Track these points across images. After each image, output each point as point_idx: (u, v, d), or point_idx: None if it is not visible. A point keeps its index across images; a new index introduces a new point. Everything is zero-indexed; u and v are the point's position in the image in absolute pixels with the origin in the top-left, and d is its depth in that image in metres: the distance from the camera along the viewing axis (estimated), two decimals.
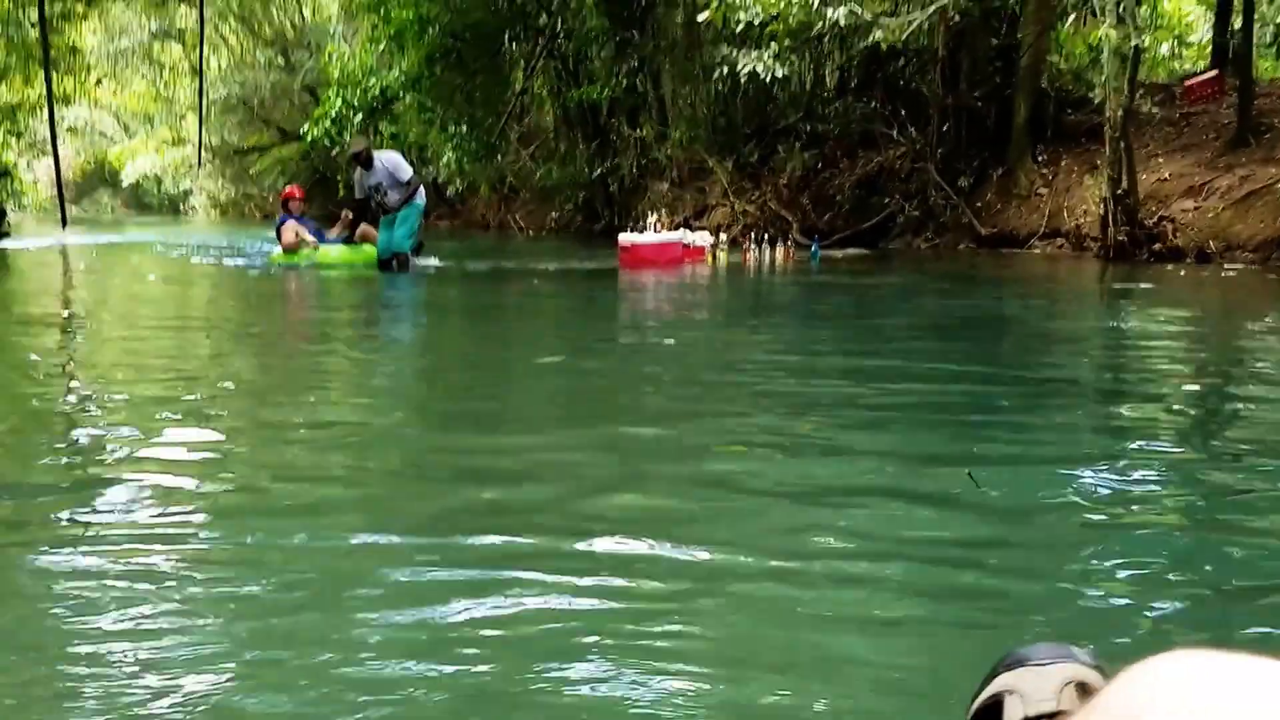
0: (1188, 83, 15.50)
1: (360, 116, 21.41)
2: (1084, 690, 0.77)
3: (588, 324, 7.31)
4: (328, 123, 21.66)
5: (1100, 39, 11.67)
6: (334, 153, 24.27)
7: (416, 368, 5.42)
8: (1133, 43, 11.13)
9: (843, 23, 12.51)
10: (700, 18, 13.40)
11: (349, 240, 12.19)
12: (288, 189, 13.07)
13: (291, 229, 11.94)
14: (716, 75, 14.60)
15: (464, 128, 20.51)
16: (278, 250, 12.12)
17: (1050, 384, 4.79)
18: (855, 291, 9.63)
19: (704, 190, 18.42)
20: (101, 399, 4.21)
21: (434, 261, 12.26)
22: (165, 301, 8.77)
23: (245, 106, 36.18)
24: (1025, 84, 15.68)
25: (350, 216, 12.24)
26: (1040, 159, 15.65)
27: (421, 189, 12.15)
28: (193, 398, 4.21)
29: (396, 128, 21.58)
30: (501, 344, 6.23)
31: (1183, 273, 10.95)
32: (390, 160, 11.75)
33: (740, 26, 13.00)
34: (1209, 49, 19.90)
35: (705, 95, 18.91)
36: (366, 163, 11.65)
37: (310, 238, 11.98)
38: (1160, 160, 13.67)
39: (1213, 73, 14.98)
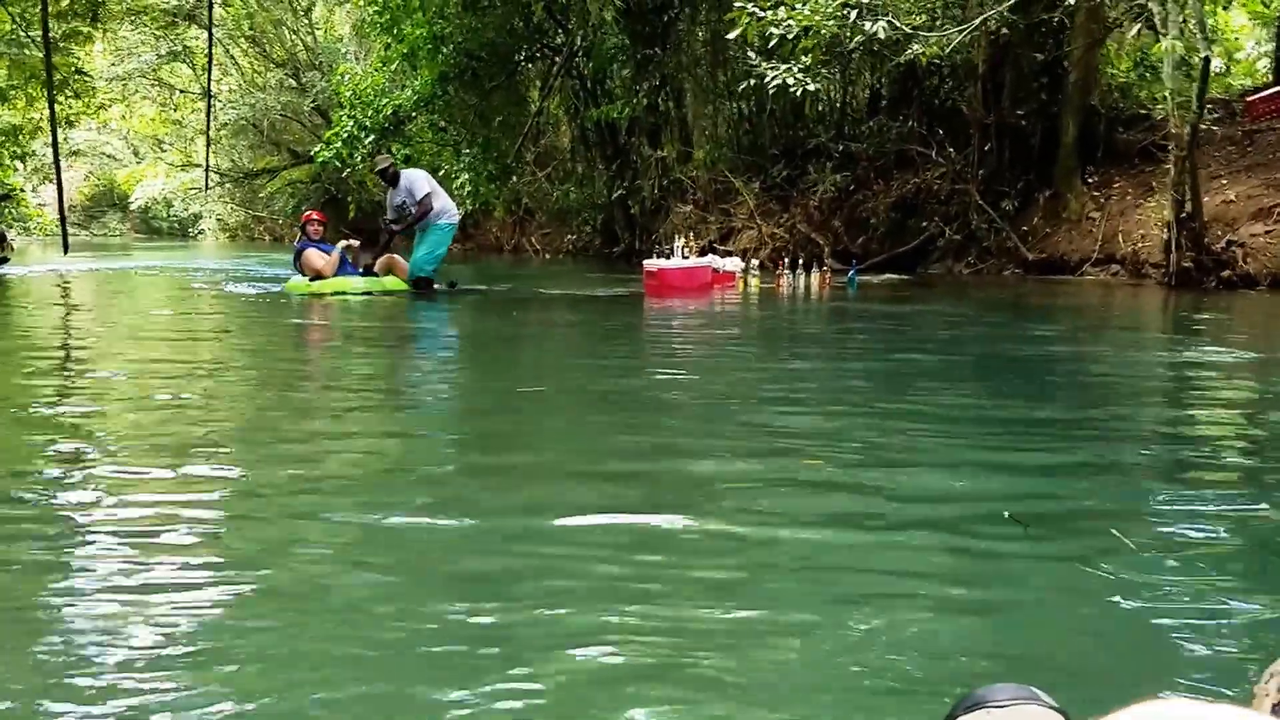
0: (1249, 99, 14.69)
1: (372, 137, 20.88)
2: None
3: (615, 360, 6.56)
4: (339, 144, 21.19)
5: (1164, 51, 10.88)
6: (345, 174, 23.72)
7: (428, 418, 4.67)
8: (1202, 54, 10.37)
9: (881, 36, 11.78)
10: (730, 35, 12.69)
11: (368, 271, 11.57)
12: (307, 213, 12.30)
13: (318, 255, 11.29)
14: (744, 88, 13.88)
15: (478, 149, 19.92)
16: (296, 278, 11.52)
17: (1121, 432, 4.13)
18: (901, 323, 8.81)
19: (729, 213, 17.69)
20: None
21: (441, 286, 11.63)
22: (160, 338, 8.07)
23: (255, 129, 35.76)
24: (1073, 101, 14.95)
25: (357, 244, 11.69)
26: (1090, 180, 14.88)
27: (452, 208, 11.73)
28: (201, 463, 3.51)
29: (409, 149, 20.98)
30: (527, 382, 5.54)
31: (1256, 301, 10.17)
32: (412, 178, 11.39)
33: (774, 41, 12.27)
34: (1257, 63, 19.23)
35: (730, 113, 18.26)
36: (393, 180, 11.34)
37: (325, 264, 11.31)
38: (1224, 181, 12.88)
39: (1277, 88, 14.19)
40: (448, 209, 11.62)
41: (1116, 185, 14.61)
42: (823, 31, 12.21)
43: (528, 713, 1.71)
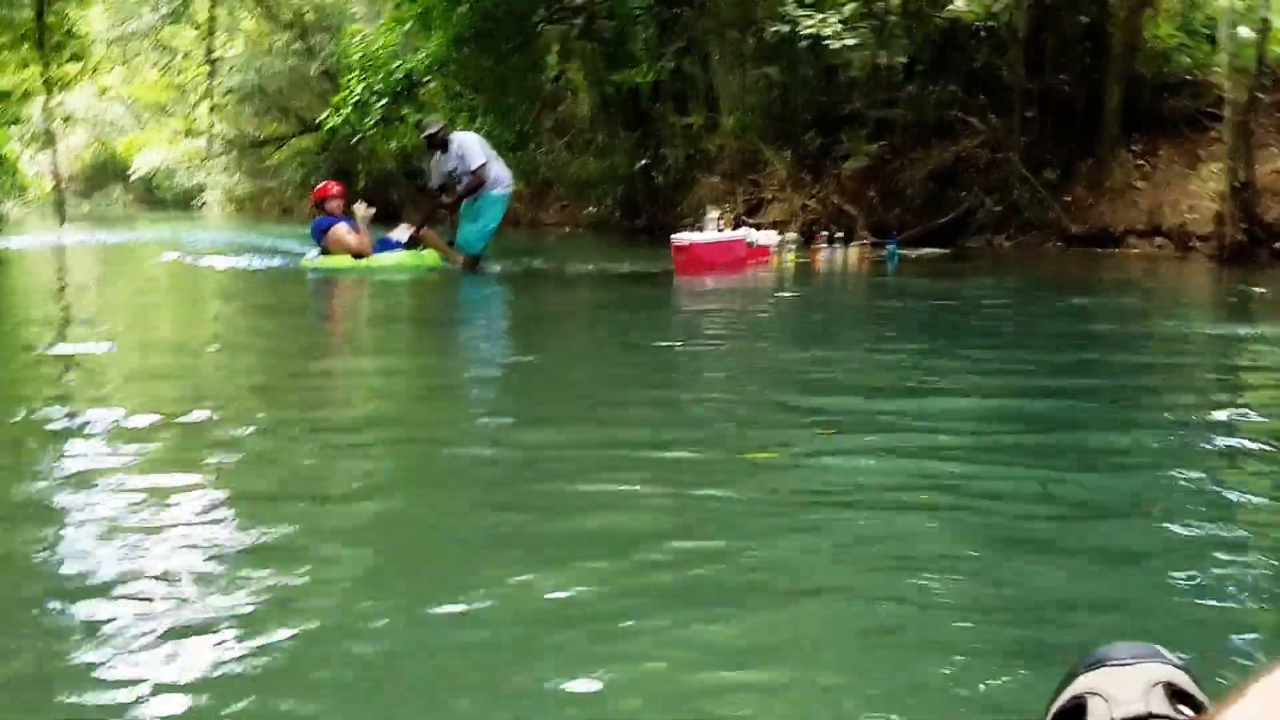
0: None
1: (384, 102, 20.72)
2: (1173, 692, 0.79)
3: (654, 345, 6.43)
4: (348, 109, 21.01)
5: (1221, 12, 10.72)
6: (354, 141, 23.58)
7: (462, 410, 4.61)
8: (1260, 15, 10.20)
9: None
10: None
11: (411, 244, 11.10)
12: (323, 186, 11.44)
13: (349, 231, 10.77)
14: (774, 31, 13.55)
15: (494, 116, 19.73)
16: (312, 254, 11.15)
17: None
18: (952, 300, 8.67)
19: (758, 184, 17.52)
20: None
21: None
22: (162, 317, 7.99)
23: (262, 94, 35.48)
24: (1118, 66, 14.77)
25: (373, 211, 11.42)
26: (1135, 149, 14.70)
27: (506, 177, 11.24)
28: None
29: (422, 113, 20.81)
30: (566, 380, 5.30)
31: None
32: (464, 143, 10.88)
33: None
34: None
35: (760, 78, 18.04)
36: (442, 145, 10.85)
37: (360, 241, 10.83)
38: (1274, 150, 12.69)
39: None
40: (502, 178, 11.08)
41: (1162, 154, 14.42)
42: None
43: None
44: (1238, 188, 11.00)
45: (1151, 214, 13.66)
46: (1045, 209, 14.75)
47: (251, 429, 3.79)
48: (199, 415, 3.90)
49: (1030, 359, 5.53)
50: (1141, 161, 14.49)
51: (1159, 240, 13.44)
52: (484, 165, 10.71)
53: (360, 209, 11.12)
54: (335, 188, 11.25)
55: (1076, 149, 15.02)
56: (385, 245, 11.00)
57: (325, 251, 10.91)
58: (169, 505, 2.80)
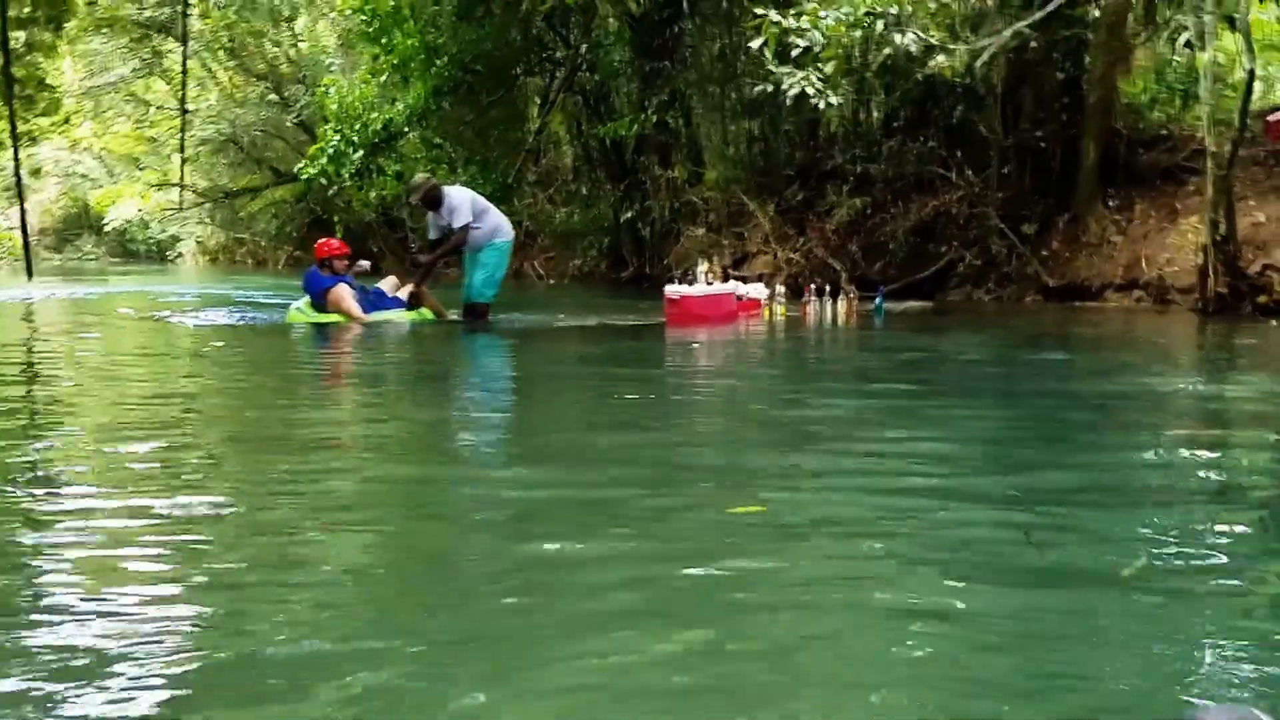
0: (1269, 119, 14.78)
1: (360, 153, 20.79)
2: None
3: (647, 400, 6.46)
4: (324, 160, 21.07)
5: (1201, 66, 10.94)
6: (331, 193, 23.64)
7: (448, 464, 4.52)
8: (1247, 67, 10.42)
9: (913, 49, 11.81)
10: (753, 44, 12.69)
11: (412, 303, 10.96)
12: (330, 243, 11.01)
13: (350, 295, 10.59)
14: (758, 90, 13.76)
15: (476, 167, 19.82)
16: (298, 304, 11.01)
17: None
18: (940, 356, 8.77)
19: (743, 236, 17.68)
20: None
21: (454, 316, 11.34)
22: (128, 377, 7.93)
23: (236, 146, 35.52)
24: (1094, 122, 15.03)
25: (368, 265, 11.41)
26: (1111, 203, 14.94)
27: (505, 226, 11.21)
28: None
29: (401, 166, 20.90)
30: (573, 444, 5.01)
31: None
32: (455, 199, 10.78)
33: (796, 52, 12.28)
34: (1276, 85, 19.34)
35: (743, 132, 18.25)
36: (434, 202, 10.77)
37: (364, 315, 10.62)
38: (1251, 203, 12.95)
39: None
40: (501, 228, 11.07)
41: (1138, 208, 14.67)
42: (845, 42, 12.25)
43: None
44: (1220, 240, 11.18)
45: (1129, 267, 13.87)
46: (1024, 263, 14.95)
47: (224, 491, 3.73)
48: (160, 491, 3.66)
49: (1025, 417, 5.56)
50: (1118, 216, 14.72)
51: (1137, 293, 13.64)
52: (466, 226, 10.67)
53: (362, 266, 11.12)
54: (337, 244, 10.97)
55: (1054, 203, 15.24)
56: (380, 302, 10.93)
57: (318, 308, 10.75)
58: (127, 579, 2.69)
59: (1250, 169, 13.93)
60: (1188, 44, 12.92)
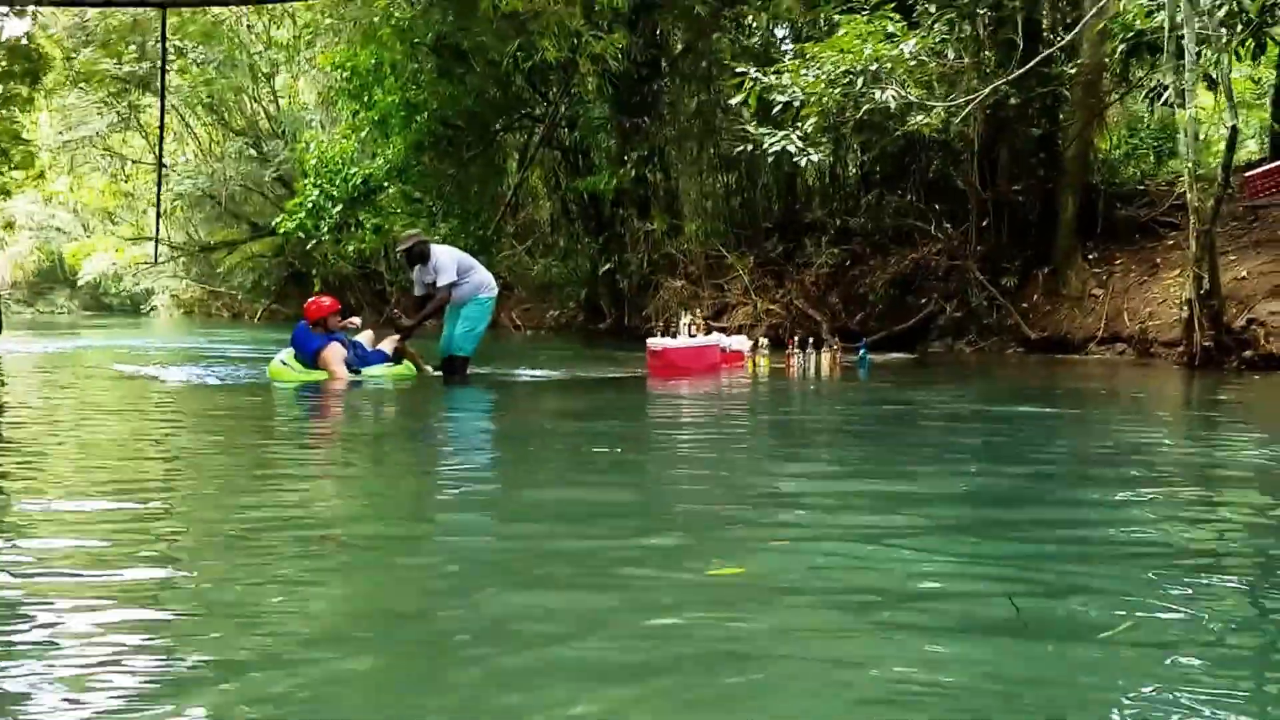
0: (1247, 175, 14.76)
1: (340, 207, 20.62)
2: None
3: (630, 457, 6.18)
4: (303, 214, 20.91)
5: (1181, 123, 10.85)
6: (309, 246, 23.40)
7: (424, 520, 4.32)
8: (1230, 123, 10.32)
9: (893, 106, 11.71)
10: (733, 101, 12.60)
11: (397, 358, 10.74)
12: (323, 301, 10.53)
13: (340, 359, 10.20)
14: (739, 151, 13.69)
15: (455, 221, 19.63)
16: (278, 360, 10.56)
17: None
18: (928, 410, 8.48)
19: (722, 288, 17.51)
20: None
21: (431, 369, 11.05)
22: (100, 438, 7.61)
23: (213, 200, 35.23)
24: (1071, 177, 14.99)
25: (357, 322, 11.14)
26: (1091, 257, 14.86)
27: (490, 281, 11.01)
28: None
29: (380, 220, 20.69)
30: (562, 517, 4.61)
31: None
32: (440, 258, 10.56)
33: (776, 109, 12.18)
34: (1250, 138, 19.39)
35: (721, 186, 18.15)
36: (422, 258, 10.55)
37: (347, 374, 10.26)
38: (1233, 257, 12.86)
39: (1276, 163, 14.22)
40: (485, 282, 10.87)
41: (1118, 262, 14.59)
42: (825, 100, 12.15)
43: None
44: (1204, 295, 11.04)
45: (1110, 321, 13.75)
46: (1004, 315, 14.83)
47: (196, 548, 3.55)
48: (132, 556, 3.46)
49: (1018, 475, 5.27)
50: (1098, 269, 14.64)
51: (1120, 346, 13.50)
52: (451, 284, 10.47)
53: (354, 324, 10.87)
54: (329, 301, 10.57)
55: (1033, 256, 15.16)
56: (366, 357, 10.62)
57: (306, 364, 10.36)
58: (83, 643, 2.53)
59: (1229, 224, 13.86)
60: (1166, 101, 12.94)
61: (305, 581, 3.16)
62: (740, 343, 11.65)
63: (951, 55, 13.57)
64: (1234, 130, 10.50)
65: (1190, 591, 3.00)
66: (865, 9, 13.65)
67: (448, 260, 10.57)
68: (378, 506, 4.58)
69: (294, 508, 4.34)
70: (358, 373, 10.33)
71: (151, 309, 46.13)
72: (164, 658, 2.45)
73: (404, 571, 3.39)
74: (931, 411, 8.27)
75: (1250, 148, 18.35)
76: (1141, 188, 15.98)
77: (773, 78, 12.15)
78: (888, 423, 7.73)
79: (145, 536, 3.68)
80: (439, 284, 10.45)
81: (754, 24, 18.38)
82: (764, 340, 11.97)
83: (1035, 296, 14.90)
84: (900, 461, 5.58)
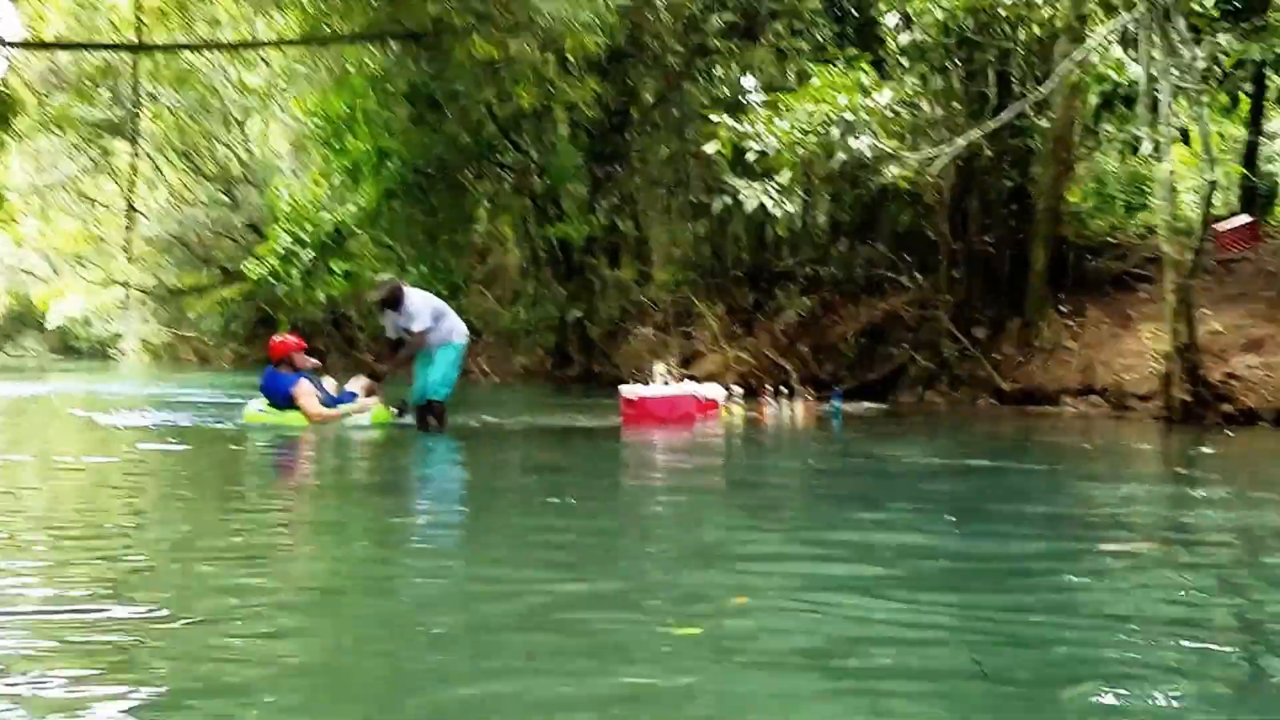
0: (1218, 228, 14.54)
1: (311, 253, 20.23)
2: None
3: (605, 511, 5.81)
4: (274, 260, 20.53)
5: (1157, 177, 10.56)
6: (280, 291, 22.92)
7: (390, 577, 4.00)
8: (1207, 177, 10.05)
9: (868, 154, 11.40)
10: (708, 148, 12.25)
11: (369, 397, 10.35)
12: (286, 341, 10.30)
13: (313, 396, 9.93)
14: (717, 207, 13.36)
15: (425, 267, 19.21)
16: (253, 407, 10.24)
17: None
18: (904, 465, 8.04)
19: (691, 336, 17.12)
20: None
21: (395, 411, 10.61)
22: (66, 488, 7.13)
23: (183, 245, 34.67)
24: (1042, 229, 14.69)
25: (318, 364, 10.69)
26: (1063, 309, 14.56)
27: (462, 327, 10.58)
28: None
29: (350, 265, 20.27)
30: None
31: (1269, 437, 9.70)
32: (413, 303, 10.12)
33: (752, 157, 11.85)
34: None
35: (692, 235, 17.83)
36: (394, 304, 10.13)
37: (329, 411, 10.01)
38: (1207, 311, 12.51)
39: (1246, 218, 14.01)
40: (457, 328, 10.45)
41: (1090, 314, 14.28)
42: (800, 151, 11.85)
43: None
44: (1182, 348, 10.71)
45: (1084, 373, 13.41)
46: (976, 366, 14.49)
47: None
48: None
49: (993, 530, 4.95)
50: (1070, 321, 14.33)
51: (1094, 399, 13.16)
52: (425, 331, 10.10)
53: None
54: (295, 339, 10.29)
55: (1005, 308, 14.84)
56: (334, 399, 10.22)
57: (279, 407, 10.01)
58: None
59: (1202, 278, 13.60)
60: (1135, 152, 12.72)
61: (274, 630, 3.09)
62: (714, 391, 11.25)
63: (926, 106, 13.32)
64: (1213, 184, 10.23)
65: (1159, 655, 2.90)
66: (839, 61, 13.44)
67: (421, 306, 10.22)
68: (347, 557, 4.38)
69: (248, 557, 4.08)
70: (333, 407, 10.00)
71: (120, 353, 45.42)
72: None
73: (369, 619, 3.33)
74: (905, 465, 7.89)
75: (1215, 201, 18.20)
76: (1112, 240, 15.74)
77: (747, 126, 11.83)
78: (860, 475, 7.42)
79: (106, 580, 3.58)
80: (412, 330, 10.09)
81: (723, 75, 18.17)
82: (738, 390, 11.57)
83: (1007, 348, 14.56)
84: (871, 516, 5.38)
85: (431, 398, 10.19)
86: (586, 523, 5.20)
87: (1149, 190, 16.91)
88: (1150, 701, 2.49)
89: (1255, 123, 14.65)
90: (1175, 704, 2.49)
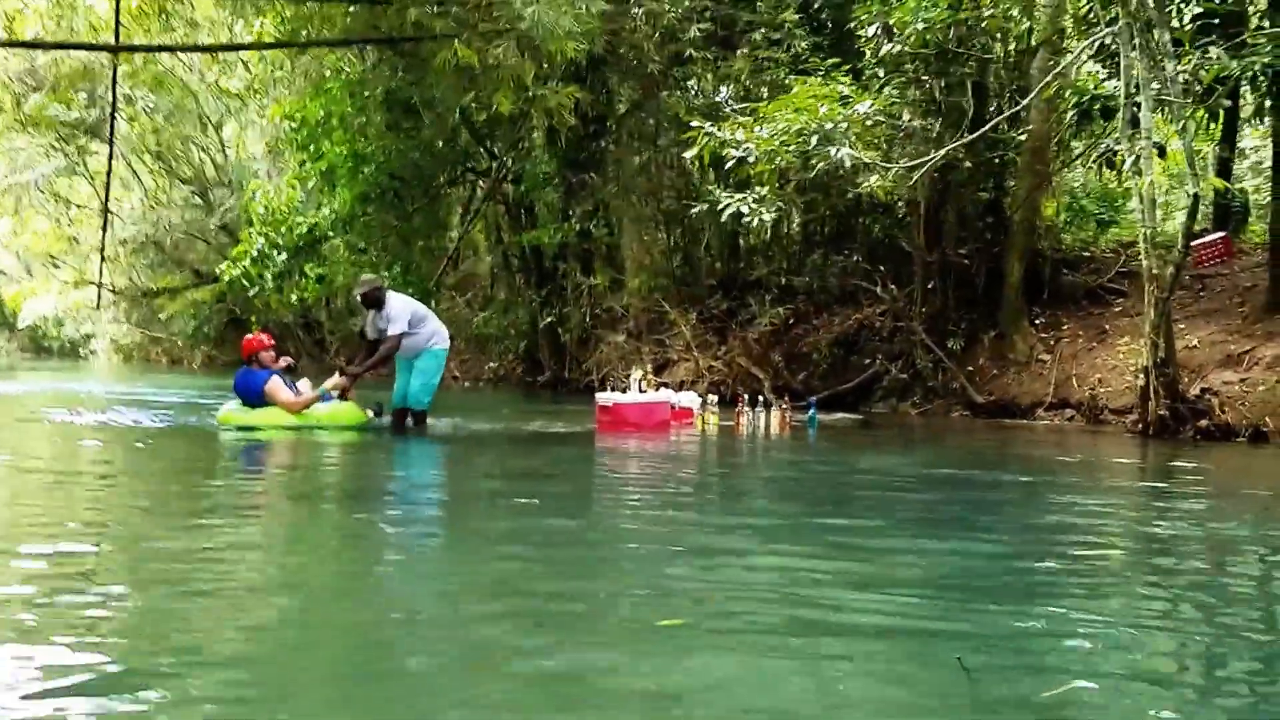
0: (1194, 244, 14.37)
1: (285, 256, 19.84)
2: None
3: (579, 518, 5.53)
4: (248, 262, 20.13)
5: (1138, 191, 10.34)
6: (252, 294, 22.46)
7: (363, 576, 3.83)
8: (1191, 191, 9.83)
9: (848, 164, 11.15)
10: (687, 155, 12.00)
11: (343, 397, 10.08)
12: (256, 338, 10.00)
13: (284, 388, 9.66)
14: (695, 212, 13.13)
15: (399, 273, 18.85)
16: (229, 407, 9.98)
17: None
18: (880, 475, 7.76)
19: (664, 343, 16.81)
20: None
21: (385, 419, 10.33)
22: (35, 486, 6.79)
23: (157, 247, 34.11)
24: (1018, 241, 14.50)
25: (292, 362, 10.38)
26: (1038, 322, 14.36)
27: (443, 332, 10.46)
28: None
29: (324, 269, 19.87)
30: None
31: (1257, 457, 9.46)
32: (394, 306, 10.02)
33: (731, 164, 11.59)
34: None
35: (665, 243, 17.54)
36: (377, 304, 10.00)
37: (303, 398, 9.75)
38: (1182, 326, 12.33)
39: (1220, 234, 13.82)
40: (439, 333, 10.31)
41: (1065, 327, 14.11)
42: (779, 160, 11.61)
43: None
44: (1160, 363, 10.49)
45: (1059, 386, 13.21)
46: (949, 378, 14.26)
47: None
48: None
49: (973, 539, 4.75)
50: (1045, 334, 14.14)
51: (1068, 412, 12.95)
52: (401, 334, 9.90)
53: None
54: (267, 338, 10.01)
55: (979, 320, 14.64)
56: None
57: (252, 406, 9.75)
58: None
59: (1177, 293, 13.42)
60: (1120, 168, 12.52)
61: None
62: (689, 400, 10.97)
63: (906, 117, 13.09)
64: (1196, 198, 10.00)
65: (1128, 656, 2.91)
66: (820, 71, 13.21)
67: (400, 309, 10.03)
68: (327, 558, 4.26)
69: (218, 556, 4.04)
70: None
71: (91, 353, 44.81)
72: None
73: (352, 609, 3.31)
74: (880, 474, 7.66)
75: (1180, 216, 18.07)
76: (1087, 254, 15.58)
77: (727, 133, 11.58)
78: (835, 483, 7.21)
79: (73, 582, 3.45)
80: (389, 333, 9.92)
81: (699, 85, 17.93)
82: (713, 398, 11.28)
83: (981, 360, 14.35)
84: (847, 521, 5.27)
85: (412, 406, 10.00)
86: (559, 524, 5.02)
87: (1120, 206, 16.82)
88: (1120, 699, 2.53)
89: (1229, 139, 14.49)
90: (1143, 702, 2.51)
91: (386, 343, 9.91)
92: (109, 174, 24.57)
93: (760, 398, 11.19)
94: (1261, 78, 10.09)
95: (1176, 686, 2.71)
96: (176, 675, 2.54)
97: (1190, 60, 10.29)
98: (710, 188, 12.16)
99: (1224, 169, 14.82)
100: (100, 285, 30.72)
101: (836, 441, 10.41)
